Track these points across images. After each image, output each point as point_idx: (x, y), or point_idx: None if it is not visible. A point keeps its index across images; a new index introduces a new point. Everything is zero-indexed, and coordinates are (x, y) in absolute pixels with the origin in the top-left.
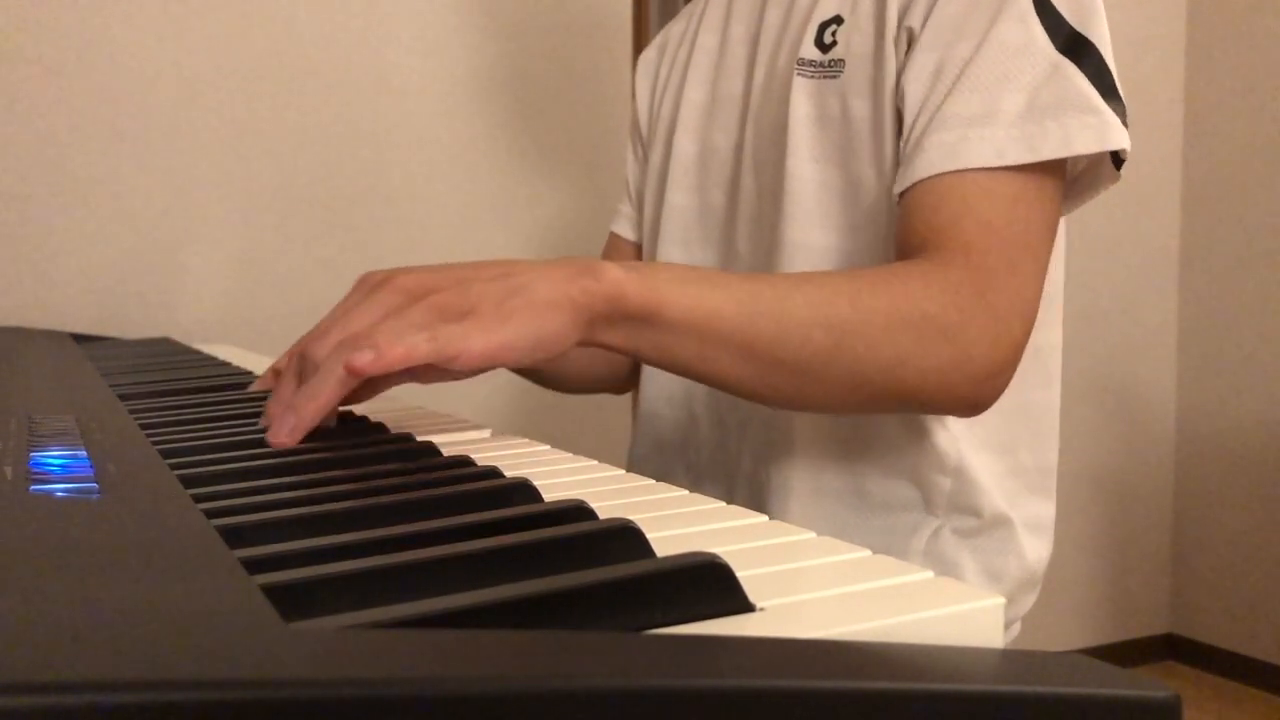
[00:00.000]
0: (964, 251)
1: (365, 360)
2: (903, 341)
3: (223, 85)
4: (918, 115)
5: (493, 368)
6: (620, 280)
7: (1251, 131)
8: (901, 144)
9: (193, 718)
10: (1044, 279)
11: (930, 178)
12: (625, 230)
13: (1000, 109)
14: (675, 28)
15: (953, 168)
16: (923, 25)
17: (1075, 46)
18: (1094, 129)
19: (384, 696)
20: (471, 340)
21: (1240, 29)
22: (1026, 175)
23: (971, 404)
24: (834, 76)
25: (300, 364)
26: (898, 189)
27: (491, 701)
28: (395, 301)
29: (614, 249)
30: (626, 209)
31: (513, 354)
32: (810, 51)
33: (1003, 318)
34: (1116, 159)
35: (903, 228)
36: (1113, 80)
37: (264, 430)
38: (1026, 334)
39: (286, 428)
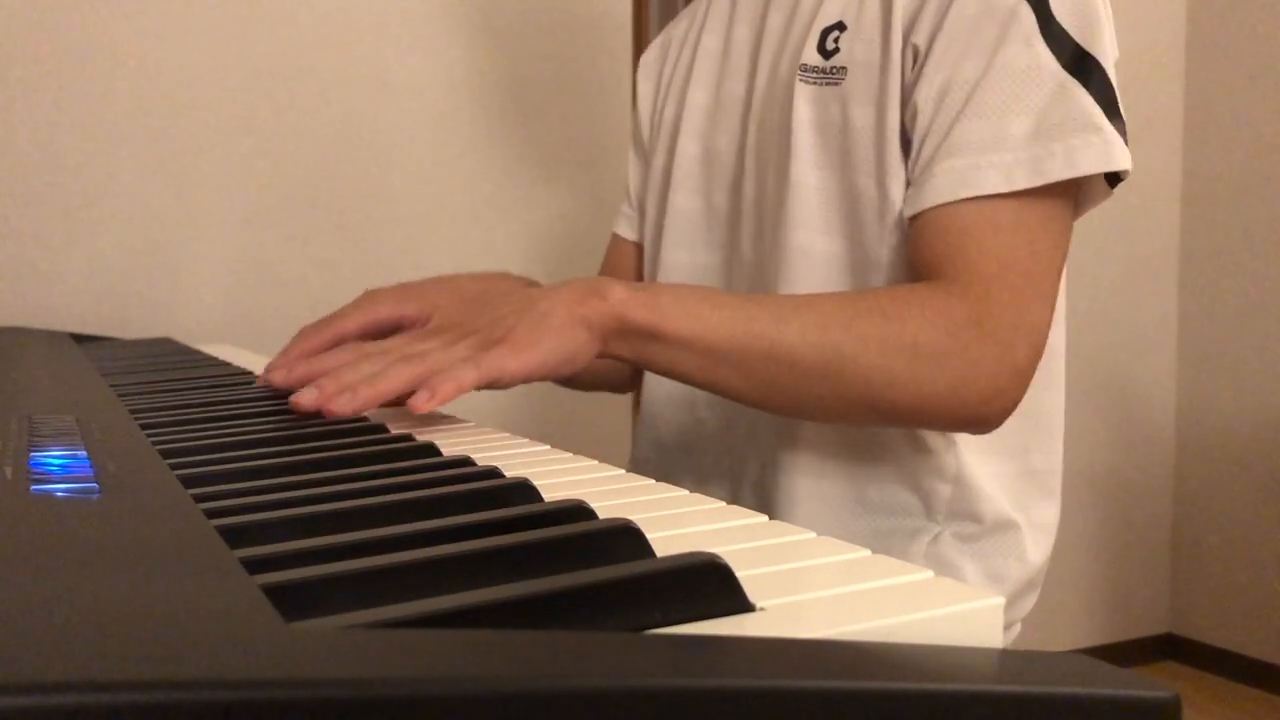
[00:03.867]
0: (965, 280)
1: (422, 401)
2: (894, 366)
3: (223, 85)
4: (925, 137)
5: (529, 382)
6: (623, 299)
7: (1251, 131)
8: (910, 166)
9: (193, 718)
10: (1053, 300)
11: (939, 205)
12: (626, 231)
13: (1008, 134)
14: (677, 28)
15: (964, 195)
16: (929, 42)
17: (1081, 64)
18: (1097, 148)
19: (384, 696)
20: (507, 362)
21: (1240, 29)
22: (1031, 200)
23: (977, 423)
24: (836, 83)
25: (353, 353)
26: (909, 212)
27: (491, 701)
28: (440, 339)
29: (616, 250)
30: (627, 210)
31: (545, 369)
32: (812, 57)
33: (1004, 342)
34: (1113, 176)
35: (913, 251)
36: (1115, 96)
37: (272, 383)
38: (1033, 358)
39: (342, 397)
